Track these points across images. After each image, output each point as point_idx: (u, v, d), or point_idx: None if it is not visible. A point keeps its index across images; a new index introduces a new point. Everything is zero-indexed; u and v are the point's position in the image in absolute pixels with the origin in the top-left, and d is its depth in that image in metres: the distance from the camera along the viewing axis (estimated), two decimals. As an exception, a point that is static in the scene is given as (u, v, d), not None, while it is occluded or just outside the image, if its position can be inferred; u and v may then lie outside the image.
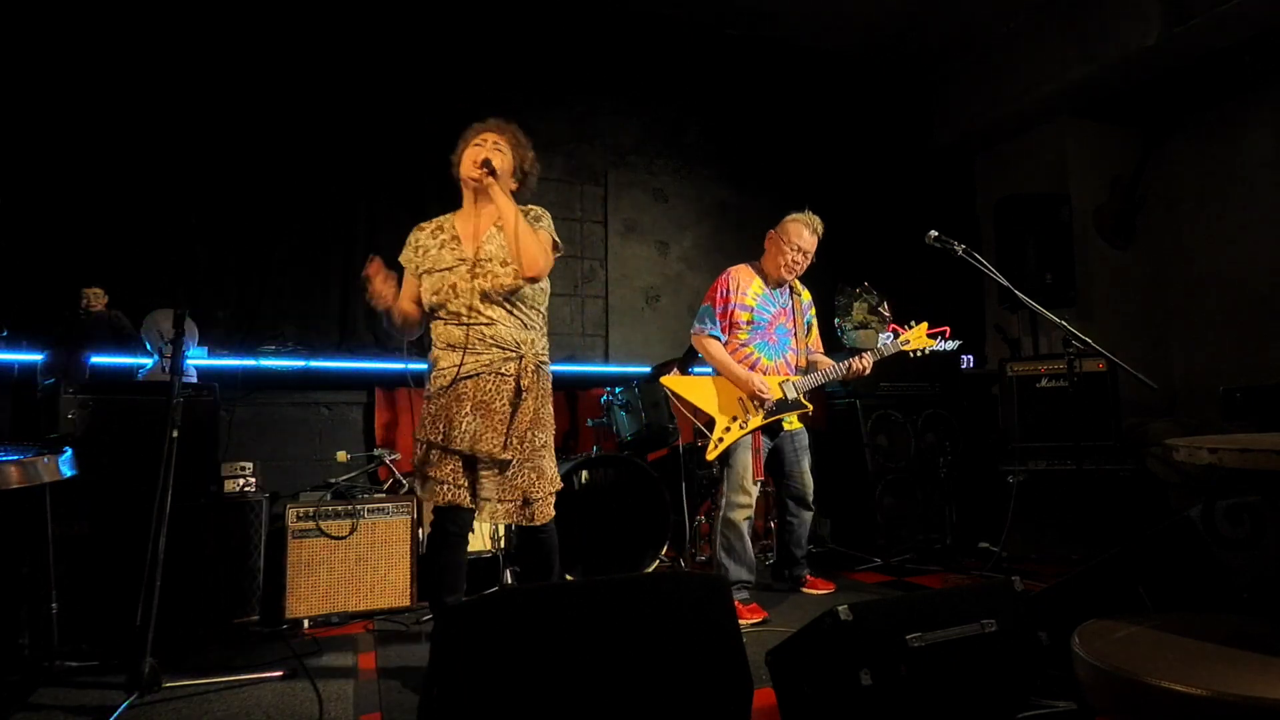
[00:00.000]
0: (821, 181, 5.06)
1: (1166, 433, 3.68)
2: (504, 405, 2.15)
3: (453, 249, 2.24)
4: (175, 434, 2.19)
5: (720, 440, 2.93)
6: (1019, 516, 3.79)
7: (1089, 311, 4.98)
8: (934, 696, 1.60)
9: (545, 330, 2.33)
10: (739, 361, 3.01)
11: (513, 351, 2.18)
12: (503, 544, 3.25)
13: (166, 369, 2.58)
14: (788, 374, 3.10)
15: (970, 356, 4.88)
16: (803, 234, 3.08)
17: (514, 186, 2.30)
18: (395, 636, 2.83)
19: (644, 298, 4.58)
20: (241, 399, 3.47)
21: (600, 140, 4.60)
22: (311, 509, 2.99)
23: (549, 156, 4.48)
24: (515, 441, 2.16)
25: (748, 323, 3.05)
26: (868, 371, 3.10)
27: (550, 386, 2.31)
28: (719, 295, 3.08)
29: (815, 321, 3.35)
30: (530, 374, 2.20)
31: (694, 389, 2.99)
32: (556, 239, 2.27)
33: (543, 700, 1.39)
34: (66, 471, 1.93)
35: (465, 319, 2.16)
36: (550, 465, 2.24)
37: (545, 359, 2.29)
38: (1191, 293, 5.17)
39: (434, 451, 2.16)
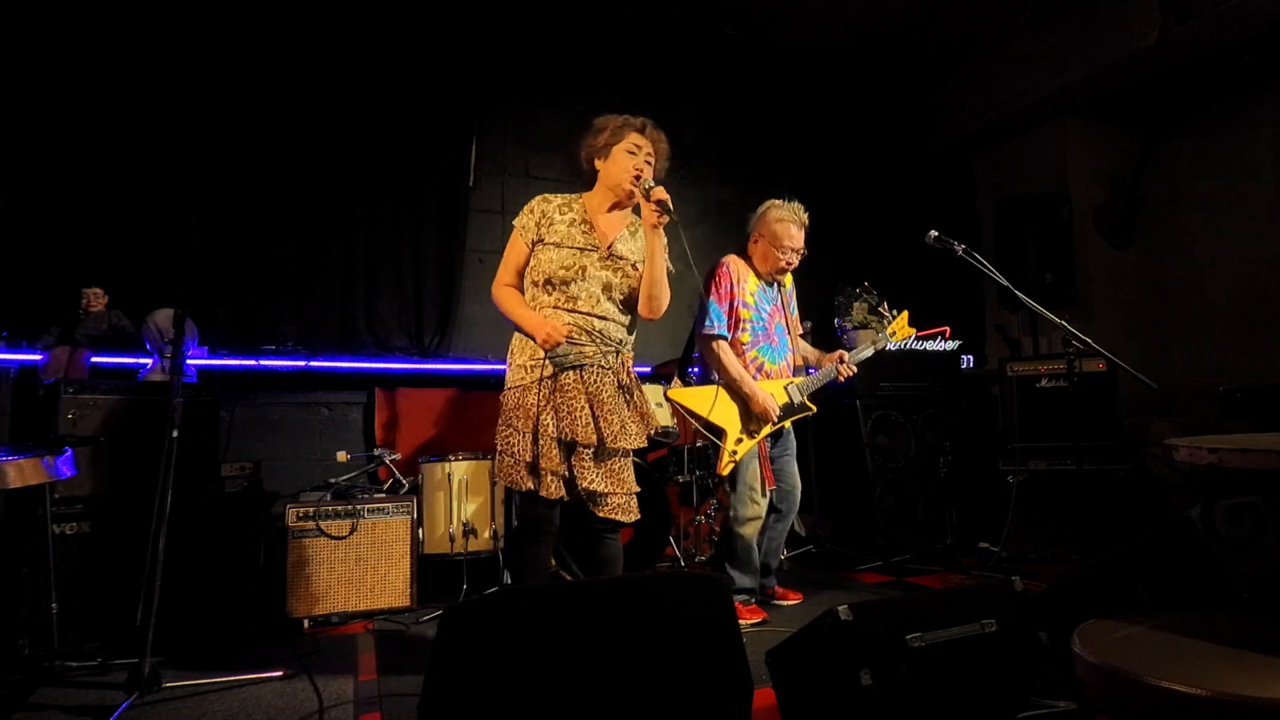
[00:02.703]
0: (821, 181, 5.06)
1: (1166, 433, 3.68)
2: (612, 396, 2.13)
3: (584, 232, 2.17)
4: (175, 434, 2.19)
5: (734, 454, 2.80)
6: (1019, 516, 3.79)
7: (1089, 311, 4.98)
8: (934, 696, 1.60)
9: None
10: (744, 367, 2.87)
11: (614, 348, 2.17)
12: (503, 544, 3.25)
13: (166, 369, 2.59)
14: (789, 376, 3.01)
15: (970, 356, 4.88)
16: (792, 234, 2.92)
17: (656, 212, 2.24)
18: (395, 636, 2.83)
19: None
20: (241, 399, 3.47)
21: (600, 140, 4.59)
22: (311, 509, 2.99)
23: (549, 156, 4.49)
24: (631, 430, 2.14)
25: (749, 321, 2.91)
26: (853, 374, 3.02)
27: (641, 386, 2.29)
28: (723, 289, 2.89)
29: (796, 308, 3.23)
30: (627, 373, 2.22)
31: (702, 401, 2.81)
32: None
33: (543, 700, 1.39)
34: (66, 471, 1.93)
35: (581, 307, 2.12)
36: (630, 474, 2.19)
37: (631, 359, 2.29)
38: (1191, 293, 5.17)
39: (545, 442, 2.06)
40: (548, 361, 2.09)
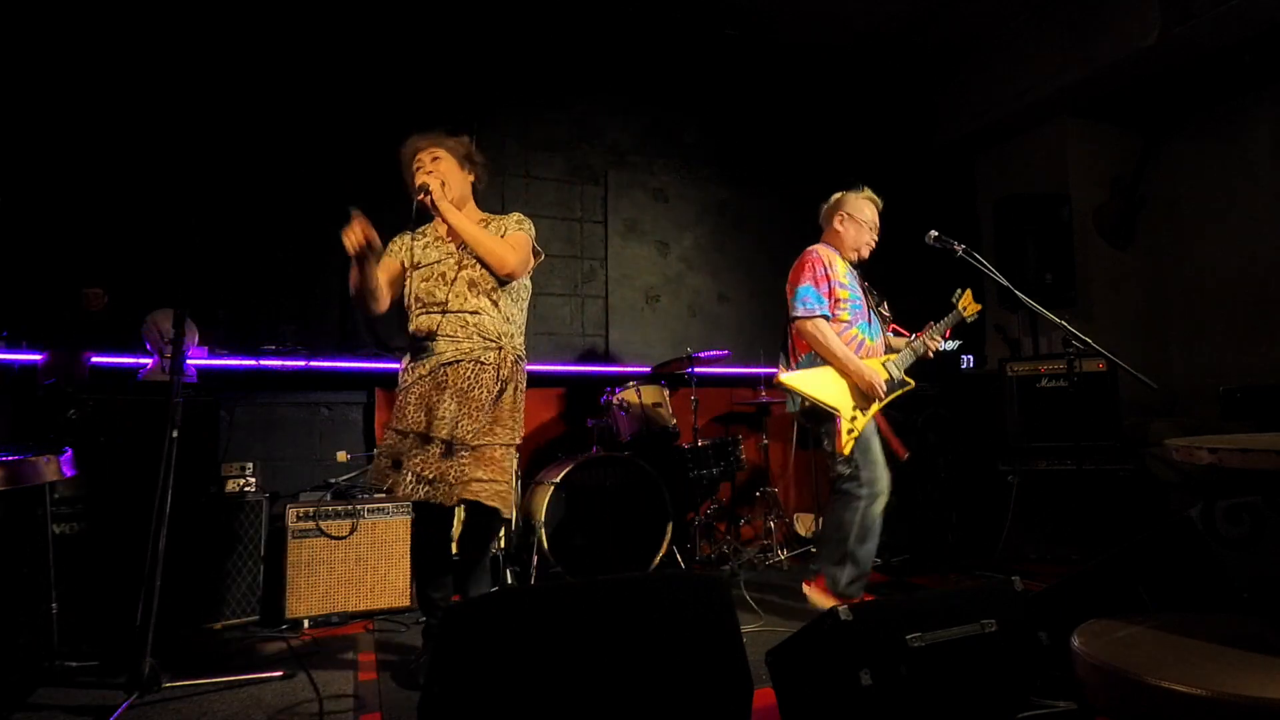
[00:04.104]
0: (821, 181, 5.03)
1: (1166, 433, 3.68)
2: (483, 393, 2.22)
3: (437, 247, 2.35)
4: (175, 434, 2.19)
5: (851, 431, 2.81)
6: (1019, 516, 3.79)
7: (1089, 311, 4.98)
8: (934, 696, 1.60)
9: (524, 328, 2.43)
10: (847, 344, 2.89)
11: (493, 342, 2.28)
12: (503, 544, 3.25)
13: (166, 369, 2.58)
14: (884, 353, 3.04)
15: (970, 356, 4.88)
16: (873, 212, 3.06)
17: (466, 190, 2.41)
18: (395, 636, 2.83)
19: (644, 298, 4.58)
20: (241, 399, 3.47)
21: (600, 140, 4.60)
22: (311, 509, 2.99)
23: (549, 156, 4.49)
24: (496, 427, 2.26)
25: (847, 300, 2.94)
26: (940, 346, 3.07)
27: (525, 382, 2.39)
28: (818, 273, 2.91)
29: None
30: (509, 365, 2.30)
31: (812, 382, 2.84)
32: (536, 245, 2.40)
33: (543, 700, 1.39)
34: (66, 471, 1.93)
35: (450, 307, 2.25)
36: (510, 464, 2.32)
37: (523, 354, 2.39)
38: (1191, 293, 5.17)
39: (410, 439, 2.19)
40: (424, 361, 2.24)
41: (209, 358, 3.40)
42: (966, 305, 3.10)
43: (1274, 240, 4.65)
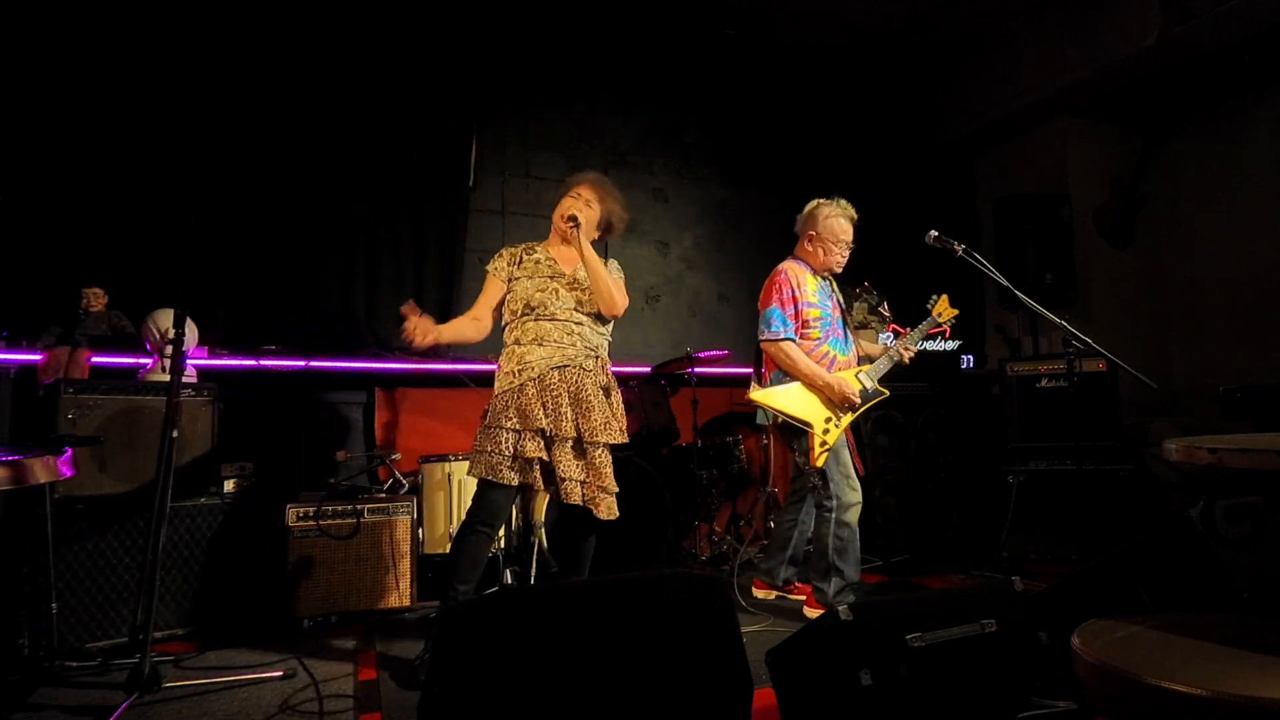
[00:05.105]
0: (821, 181, 5.03)
1: (1166, 433, 3.68)
2: (592, 395, 2.42)
3: (550, 265, 2.56)
4: (175, 434, 2.19)
5: (824, 444, 2.86)
6: (1019, 516, 3.79)
7: (1089, 311, 4.98)
8: (934, 696, 1.60)
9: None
10: (817, 362, 2.93)
11: (593, 352, 2.51)
12: (503, 544, 3.25)
13: (166, 369, 2.58)
14: (858, 365, 3.07)
15: (970, 356, 4.89)
16: (845, 228, 3.03)
17: (595, 236, 2.64)
18: (395, 636, 2.83)
19: (644, 298, 4.58)
20: (241, 399, 3.47)
21: (600, 140, 4.60)
22: (312, 509, 2.99)
23: (549, 156, 4.49)
24: (609, 428, 2.43)
25: (817, 319, 2.97)
26: (913, 355, 3.09)
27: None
28: (785, 294, 2.95)
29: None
30: (605, 374, 2.53)
31: (784, 398, 2.89)
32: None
33: (543, 700, 1.39)
34: (66, 472, 1.93)
35: (560, 317, 2.46)
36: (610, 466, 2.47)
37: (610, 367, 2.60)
38: (1191, 293, 5.17)
39: (528, 436, 2.33)
40: (534, 364, 2.40)
41: (209, 358, 3.39)
42: (943, 311, 3.12)
43: (1274, 240, 4.65)
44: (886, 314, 3.16)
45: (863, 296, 3.24)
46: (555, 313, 2.46)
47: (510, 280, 2.56)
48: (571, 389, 2.40)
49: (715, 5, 4.65)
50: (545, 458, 2.36)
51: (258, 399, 3.57)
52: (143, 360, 3.17)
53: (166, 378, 2.38)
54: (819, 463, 2.86)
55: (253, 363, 3.50)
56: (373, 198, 3.96)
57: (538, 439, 2.34)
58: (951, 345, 4.66)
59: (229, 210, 3.63)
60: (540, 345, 2.42)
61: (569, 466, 2.36)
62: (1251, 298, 4.76)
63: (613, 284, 2.51)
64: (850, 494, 2.92)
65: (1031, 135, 5.31)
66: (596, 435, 2.39)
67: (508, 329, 2.54)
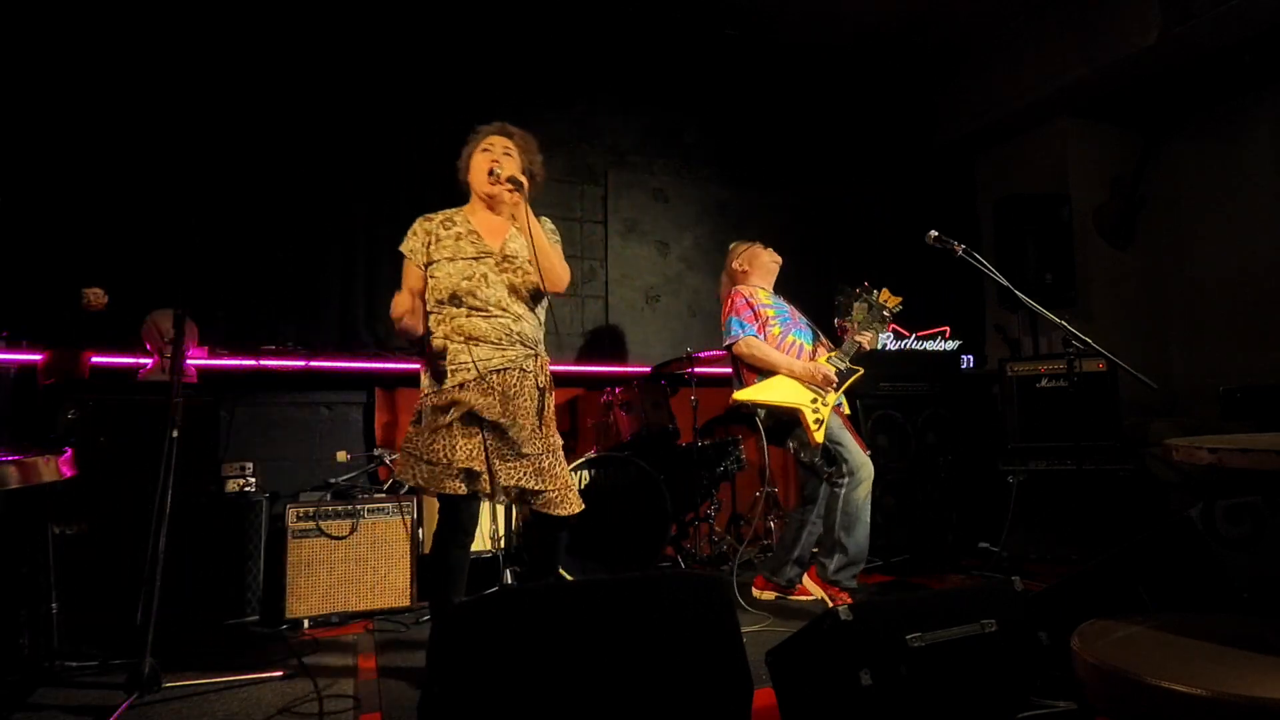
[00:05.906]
0: (821, 181, 5.07)
1: (1166, 433, 3.68)
2: (529, 402, 2.18)
3: (473, 242, 2.22)
4: (175, 434, 2.19)
5: (818, 420, 2.93)
6: (1019, 516, 3.79)
7: (1089, 311, 4.98)
8: (934, 696, 1.60)
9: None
10: (786, 351, 3.07)
11: (532, 350, 2.23)
12: (502, 544, 3.24)
13: (166, 369, 2.58)
14: (823, 352, 3.16)
15: (970, 356, 4.88)
16: (762, 249, 3.28)
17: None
18: (395, 636, 2.83)
19: (644, 298, 4.58)
20: (241, 399, 3.47)
21: (600, 140, 4.60)
22: (311, 509, 2.99)
23: (549, 156, 4.46)
24: (545, 433, 2.22)
25: (775, 316, 3.14)
26: (873, 340, 3.18)
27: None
28: (739, 303, 3.12)
29: None
30: (545, 374, 2.26)
31: (766, 390, 3.00)
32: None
33: (542, 700, 1.39)
34: (66, 472, 1.93)
35: (492, 312, 2.16)
36: (564, 464, 2.29)
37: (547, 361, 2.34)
38: (1191, 293, 5.17)
39: (471, 443, 2.11)
40: (471, 366, 2.12)
41: (209, 358, 3.39)
42: (888, 300, 3.22)
43: (1274, 240, 4.65)
44: (887, 314, 3.17)
45: (863, 296, 3.24)
46: (488, 306, 2.15)
47: (429, 265, 2.21)
48: (512, 393, 2.14)
49: (715, 5, 4.64)
50: (492, 466, 2.12)
51: (258, 399, 3.57)
52: (143, 360, 3.17)
53: (166, 378, 2.37)
54: (818, 438, 2.92)
55: (253, 363, 3.50)
56: (373, 198, 3.95)
57: (481, 447, 2.11)
58: (951, 345, 4.66)
59: (229, 210, 3.63)
60: (476, 345, 2.13)
61: (517, 474, 2.14)
62: (1251, 298, 4.76)
63: (561, 259, 2.21)
64: (863, 469, 2.96)
65: (1031, 135, 5.31)
66: (536, 443, 2.16)
67: (433, 320, 2.20)
